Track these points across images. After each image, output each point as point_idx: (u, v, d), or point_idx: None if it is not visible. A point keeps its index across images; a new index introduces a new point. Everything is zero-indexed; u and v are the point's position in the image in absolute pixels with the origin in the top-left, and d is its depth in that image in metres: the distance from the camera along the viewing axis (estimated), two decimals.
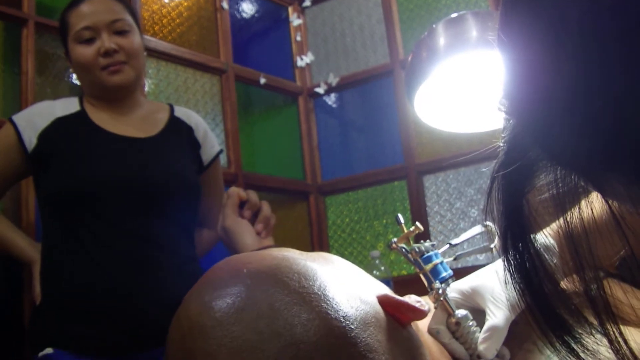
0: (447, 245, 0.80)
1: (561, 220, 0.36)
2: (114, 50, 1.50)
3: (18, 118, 1.49)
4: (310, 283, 0.55)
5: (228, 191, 1.06)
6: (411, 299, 0.62)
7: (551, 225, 0.40)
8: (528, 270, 0.40)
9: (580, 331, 0.40)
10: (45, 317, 1.42)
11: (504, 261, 0.41)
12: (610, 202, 0.34)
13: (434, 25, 1.20)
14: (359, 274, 0.64)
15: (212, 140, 1.70)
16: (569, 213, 0.36)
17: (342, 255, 2.81)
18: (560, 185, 0.35)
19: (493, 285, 0.72)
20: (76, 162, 1.45)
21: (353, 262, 0.69)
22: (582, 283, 0.37)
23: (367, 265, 2.39)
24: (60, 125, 1.49)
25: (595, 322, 0.38)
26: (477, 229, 0.80)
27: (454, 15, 1.19)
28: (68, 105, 1.54)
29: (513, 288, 0.41)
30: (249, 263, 0.58)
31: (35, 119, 1.49)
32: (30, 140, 1.47)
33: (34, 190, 1.54)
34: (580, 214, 0.36)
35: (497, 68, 1.17)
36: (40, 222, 1.52)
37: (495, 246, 0.77)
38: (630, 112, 0.28)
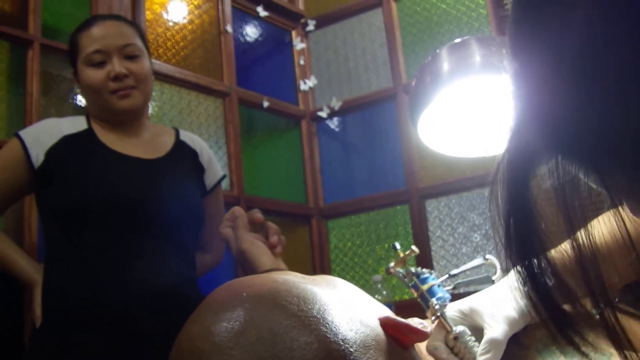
0: (447, 275, 0.80)
1: (569, 242, 0.37)
2: (124, 75, 1.51)
3: (25, 134, 1.49)
4: (310, 306, 0.55)
5: (233, 211, 1.05)
6: (414, 321, 0.62)
7: (556, 249, 0.40)
8: (530, 257, 0.40)
9: (583, 325, 0.40)
10: (46, 333, 1.41)
11: (505, 249, 0.42)
12: (621, 217, 0.34)
13: (437, 50, 1.21)
14: (361, 297, 0.64)
15: (215, 165, 1.71)
16: (577, 236, 0.36)
17: (344, 279, 2.79)
18: (560, 174, 0.36)
19: (492, 303, 0.72)
20: (82, 179, 1.45)
21: (355, 286, 0.69)
22: (594, 306, 0.37)
23: (369, 289, 2.37)
24: (68, 142, 1.50)
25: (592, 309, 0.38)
26: (478, 260, 0.80)
27: (457, 40, 1.19)
28: (75, 124, 1.55)
29: (515, 277, 0.42)
30: (249, 287, 0.57)
31: (42, 135, 1.49)
32: (38, 156, 1.47)
33: (37, 207, 1.54)
34: (590, 238, 0.36)
35: (501, 93, 1.17)
36: (43, 240, 1.52)
37: (496, 278, 0.77)
38: (636, 103, 0.28)
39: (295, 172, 3.03)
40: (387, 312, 0.62)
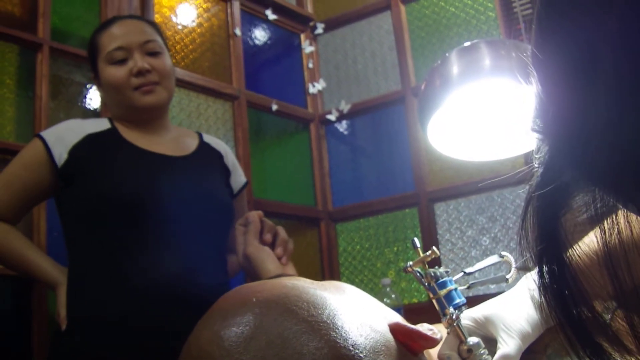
0: (462, 274, 0.79)
1: (597, 240, 0.35)
2: (146, 70, 1.49)
3: (47, 134, 1.46)
4: (320, 311, 0.55)
5: (248, 216, 1.05)
6: (423, 327, 0.61)
7: (582, 249, 0.39)
8: (564, 295, 0.39)
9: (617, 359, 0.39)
10: (74, 335, 1.37)
11: (539, 286, 0.40)
12: None
13: (447, 54, 1.20)
14: (371, 302, 0.64)
15: (239, 169, 1.69)
16: (606, 233, 0.35)
17: (353, 283, 2.79)
18: (598, 206, 0.34)
19: (506, 315, 0.71)
20: (108, 176, 1.41)
21: (364, 289, 0.68)
22: (622, 308, 0.35)
23: (377, 292, 2.36)
24: (91, 140, 1.47)
25: (635, 350, 0.36)
26: (493, 258, 0.79)
27: (467, 43, 1.19)
28: (98, 124, 1.53)
29: (548, 313, 0.40)
30: (259, 292, 0.57)
31: (65, 134, 1.46)
32: (61, 155, 1.44)
33: (58, 209, 1.51)
34: (619, 235, 0.34)
35: (511, 96, 1.16)
36: (65, 241, 1.48)
37: (510, 276, 0.76)
38: None
39: (304, 175, 3.02)
40: (397, 318, 0.62)
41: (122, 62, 1.49)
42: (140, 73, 1.48)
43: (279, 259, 1.00)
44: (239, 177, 1.67)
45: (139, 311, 1.34)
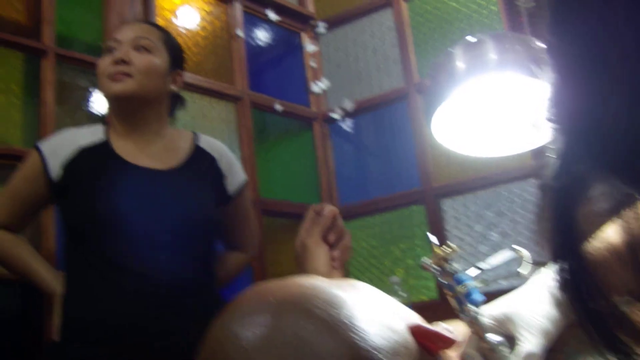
0: (476, 269, 0.79)
1: (617, 232, 0.35)
2: (122, 61, 1.50)
3: (44, 146, 1.51)
4: (337, 311, 0.55)
5: (323, 209, 1.01)
6: (441, 327, 0.61)
7: (599, 241, 0.39)
8: (581, 289, 0.39)
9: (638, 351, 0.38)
10: (64, 347, 1.42)
11: (556, 280, 0.40)
12: None
13: (449, 49, 1.20)
14: (388, 302, 0.64)
15: (237, 170, 1.70)
16: (629, 224, 0.34)
17: (361, 281, 2.78)
18: (617, 197, 0.34)
19: (525, 312, 0.70)
20: (96, 195, 1.46)
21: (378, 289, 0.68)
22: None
23: (386, 290, 2.36)
24: (83, 155, 1.50)
25: None
26: (507, 253, 0.78)
27: (471, 38, 1.19)
28: (93, 133, 1.55)
29: (566, 305, 0.40)
30: (276, 291, 0.57)
31: (59, 148, 1.50)
32: (55, 169, 1.48)
33: (59, 219, 1.56)
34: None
35: (517, 90, 1.16)
36: (63, 249, 1.53)
37: (525, 271, 0.75)
38: None
39: (309, 174, 3.02)
40: (414, 318, 0.62)
41: (112, 53, 1.53)
42: (118, 63, 1.50)
43: (333, 260, 0.98)
44: (235, 179, 1.68)
45: (126, 321, 1.39)
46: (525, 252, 0.77)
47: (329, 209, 1.00)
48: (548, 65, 0.34)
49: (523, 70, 1.04)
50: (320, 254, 0.97)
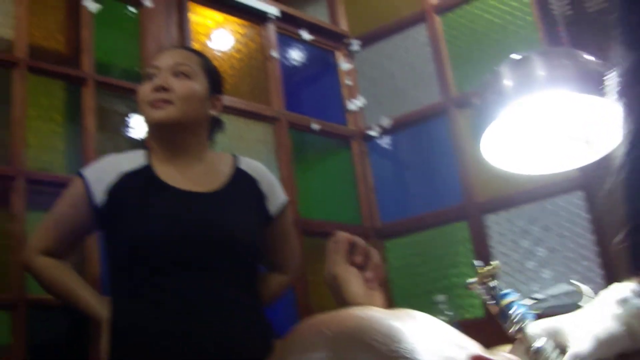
0: (530, 300, 0.77)
1: None
2: (162, 88, 1.51)
3: (88, 172, 1.52)
4: (398, 345, 0.52)
5: (336, 235, 1.01)
6: (501, 356, 0.58)
7: None
8: None
9: None
10: None
11: (631, 263, 0.38)
12: None
13: (495, 68, 1.18)
14: (447, 331, 0.61)
15: (277, 191, 1.70)
16: None
17: (404, 300, 2.75)
18: None
19: (579, 323, 0.68)
20: (140, 219, 1.47)
21: (416, 306, 0.65)
22: None
23: (431, 309, 2.32)
24: (126, 181, 1.51)
25: None
26: (564, 286, 0.77)
27: (516, 56, 1.16)
28: (135, 159, 1.56)
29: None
30: (331, 324, 0.55)
31: (102, 174, 1.51)
32: (99, 195, 1.49)
33: (104, 244, 1.57)
34: None
35: (567, 107, 1.13)
36: (107, 275, 1.54)
37: (583, 303, 0.73)
38: None
39: (348, 192, 3.00)
40: (476, 348, 0.59)
41: (152, 79, 1.54)
42: (158, 90, 1.50)
43: (367, 282, 0.96)
44: (277, 199, 1.68)
45: (175, 345, 1.39)
46: (584, 288, 0.75)
47: (340, 234, 0.99)
48: (620, 39, 0.33)
49: (572, 86, 1.01)
50: (352, 278, 0.95)
